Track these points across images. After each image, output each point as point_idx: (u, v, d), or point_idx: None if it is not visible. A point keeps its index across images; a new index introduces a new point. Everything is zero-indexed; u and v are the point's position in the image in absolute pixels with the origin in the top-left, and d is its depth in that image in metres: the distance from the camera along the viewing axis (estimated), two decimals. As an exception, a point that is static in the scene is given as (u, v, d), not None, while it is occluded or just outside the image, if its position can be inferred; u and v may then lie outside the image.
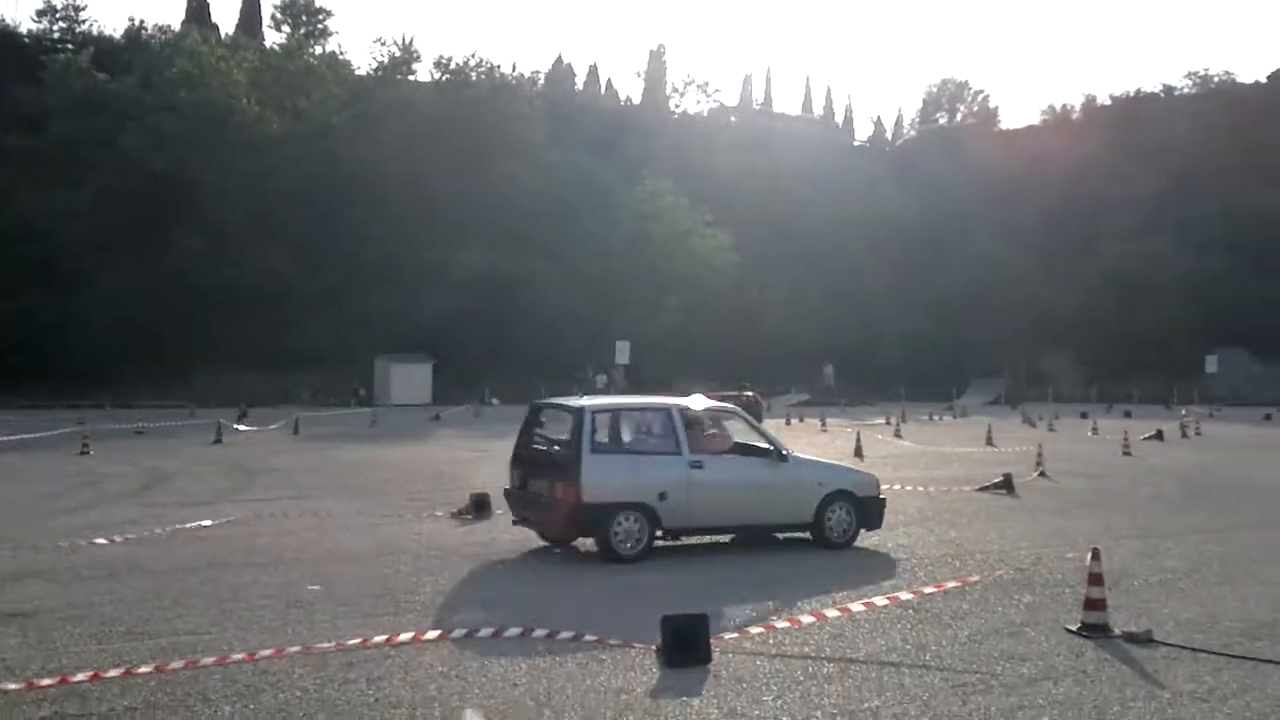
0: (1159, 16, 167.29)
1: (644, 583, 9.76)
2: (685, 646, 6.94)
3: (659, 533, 10.96)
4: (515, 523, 11.80)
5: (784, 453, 11.79)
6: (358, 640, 7.41)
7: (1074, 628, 7.98)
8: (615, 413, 11.75)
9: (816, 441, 28.65)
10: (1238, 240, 69.71)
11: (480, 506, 13.65)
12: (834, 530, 11.71)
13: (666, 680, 6.66)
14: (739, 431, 12.29)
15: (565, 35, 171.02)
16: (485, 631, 7.64)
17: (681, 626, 7.02)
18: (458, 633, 7.65)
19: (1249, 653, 7.44)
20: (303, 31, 66.79)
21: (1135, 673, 6.95)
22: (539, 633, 7.58)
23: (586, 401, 11.72)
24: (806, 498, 11.67)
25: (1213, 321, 65.72)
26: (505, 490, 12.14)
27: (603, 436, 11.15)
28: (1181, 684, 6.70)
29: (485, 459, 21.22)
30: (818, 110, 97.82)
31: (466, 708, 6.07)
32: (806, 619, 8.28)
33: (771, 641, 7.62)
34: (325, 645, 7.28)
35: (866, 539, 11.96)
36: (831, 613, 8.52)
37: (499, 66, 62.10)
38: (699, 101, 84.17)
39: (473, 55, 61.11)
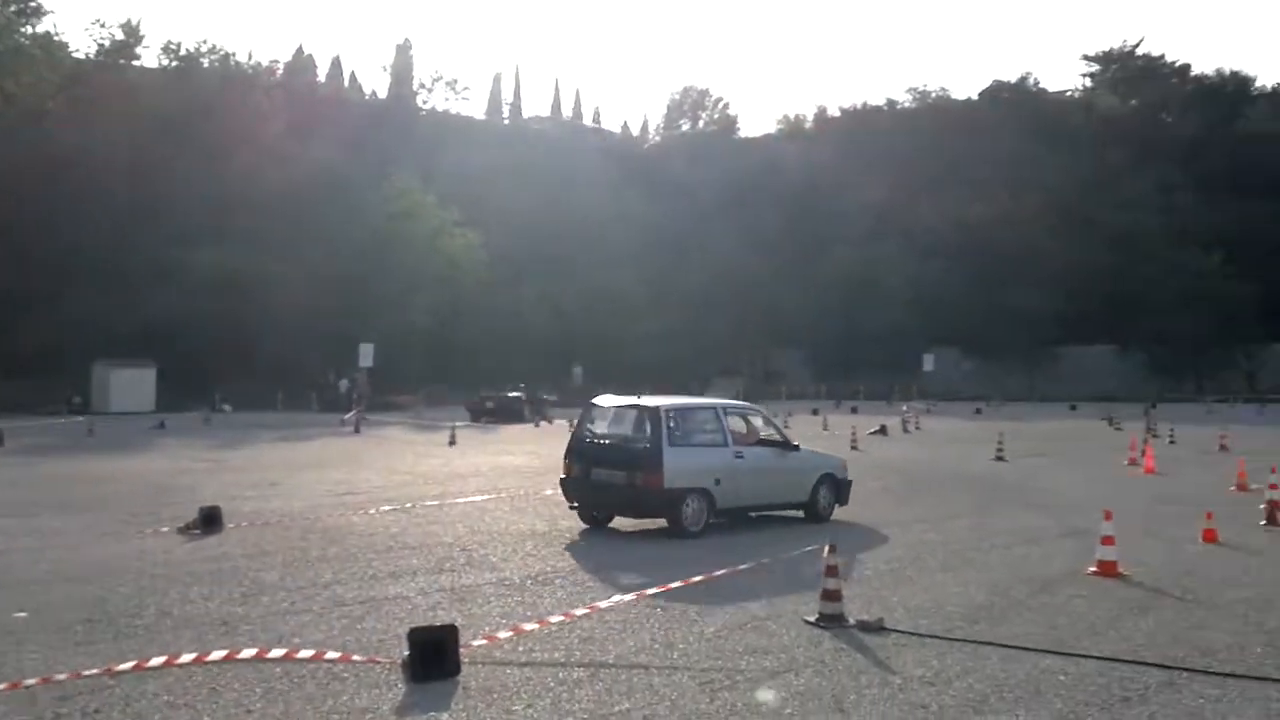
0: (884, 32, 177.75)
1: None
2: (432, 659, 6.77)
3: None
4: (572, 507, 13.51)
5: (794, 444, 14.19)
6: (65, 674, 6.74)
7: (812, 619, 8.28)
8: (681, 410, 13.42)
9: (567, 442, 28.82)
10: (952, 246, 74.81)
11: (210, 521, 12.79)
12: (822, 507, 14.11)
13: (413, 696, 6.47)
14: (759, 427, 14.38)
15: (306, 25, 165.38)
16: (216, 654, 7.18)
17: (428, 638, 6.84)
18: (186, 657, 7.15)
19: (970, 636, 7.94)
20: (13, 9, 61.62)
21: (869, 660, 7.28)
22: (276, 653, 7.21)
23: (661, 401, 13.43)
24: (806, 481, 14.07)
25: (930, 323, 70.42)
26: (562, 479, 13.70)
27: (677, 431, 12.82)
28: (911, 669, 7.07)
29: (218, 469, 20.21)
30: (567, 113, 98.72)
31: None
32: (556, 619, 8.26)
33: (521, 648, 7.54)
34: (31, 681, 6.61)
35: (840, 512, 14.22)
36: (580, 611, 8.53)
37: (234, 55, 59.50)
38: (447, 99, 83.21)
39: (204, 42, 58.27)
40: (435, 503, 15.42)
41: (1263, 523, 13.69)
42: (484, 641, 7.63)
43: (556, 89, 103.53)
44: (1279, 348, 69.49)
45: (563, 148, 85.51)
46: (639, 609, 8.75)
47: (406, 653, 6.82)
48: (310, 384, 47.98)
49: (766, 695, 6.39)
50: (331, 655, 7.15)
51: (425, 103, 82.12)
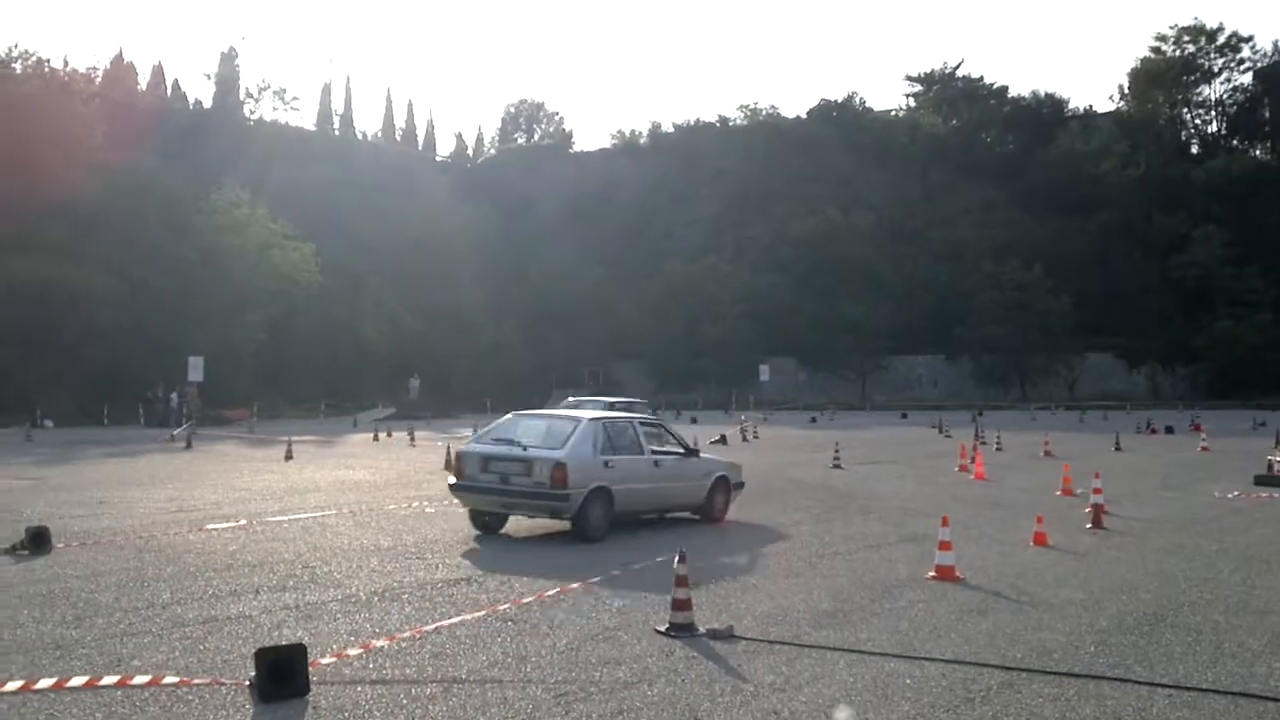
0: (716, 50, 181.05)
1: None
2: (281, 679, 6.52)
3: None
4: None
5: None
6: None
7: (663, 629, 8.31)
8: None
9: (406, 456, 28.35)
10: (786, 260, 76.69)
11: (38, 540, 12.07)
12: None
13: (262, 717, 6.22)
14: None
15: (126, 31, 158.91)
16: (44, 683, 6.77)
17: (276, 657, 6.59)
18: (12, 685, 6.72)
19: (818, 642, 8.08)
20: None
21: (721, 669, 7.33)
22: (109, 679, 6.83)
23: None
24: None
25: (765, 334, 72.06)
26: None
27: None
28: (763, 676, 7.15)
29: (43, 487, 19.15)
30: (400, 124, 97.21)
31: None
32: (406, 635, 8.07)
33: (372, 666, 7.33)
34: None
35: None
36: (430, 627, 8.37)
37: (49, 60, 56.59)
38: (275, 109, 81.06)
39: (15, 46, 55.30)
40: (274, 519, 14.92)
41: (1088, 526, 14.38)
42: (333, 660, 7.39)
43: (389, 100, 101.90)
44: (1095, 358, 73.34)
45: (396, 160, 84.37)
46: (490, 623, 8.63)
47: (253, 673, 6.56)
48: (137, 398, 45.96)
49: (843, 714, 6.35)
50: (170, 680, 6.82)
51: (253, 113, 79.91)
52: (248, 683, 6.63)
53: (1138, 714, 6.36)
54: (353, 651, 7.63)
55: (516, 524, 14.27)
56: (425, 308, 66.85)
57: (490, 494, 13.42)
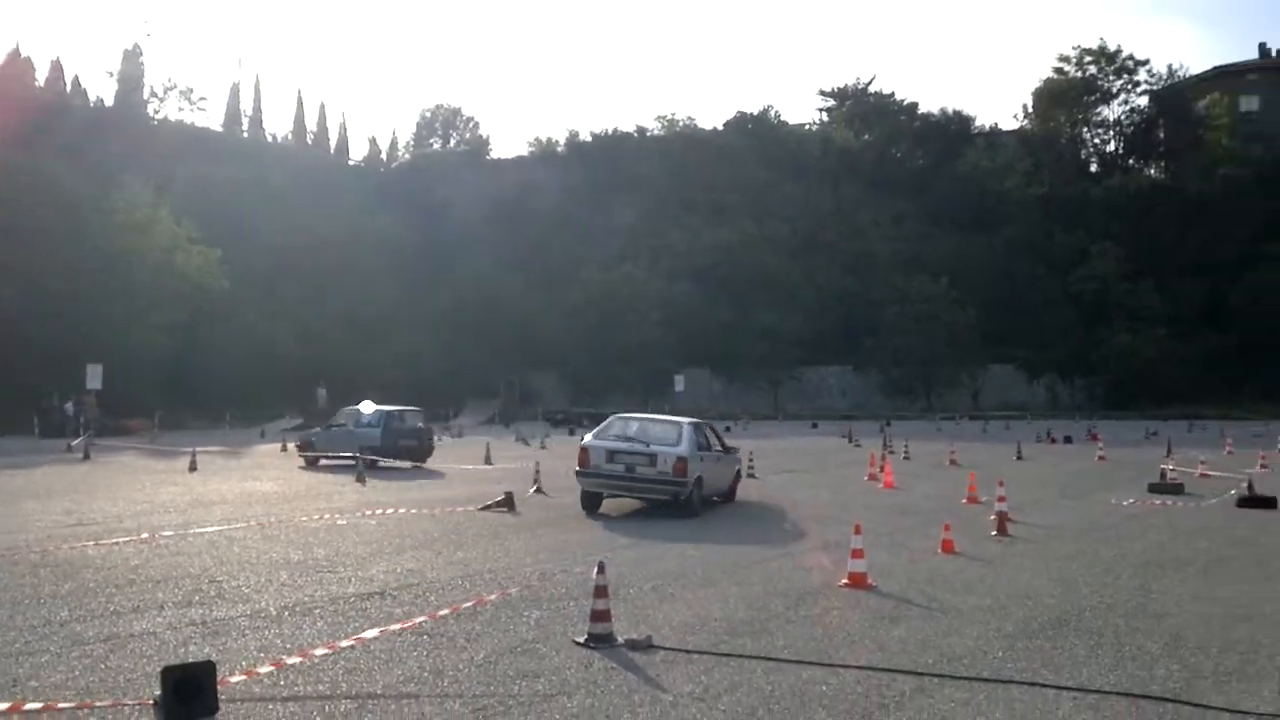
0: (633, 60, 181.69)
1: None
2: (188, 698, 6.36)
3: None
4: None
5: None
6: None
7: (582, 640, 8.29)
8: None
9: (316, 467, 27.88)
10: (700, 269, 77.10)
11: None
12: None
13: (168, 739, 6.07)
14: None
15: (23, 25, 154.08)
16: (-60, 706, 6.53)
17: (183, 676, 6.43)
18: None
19: (735, 650, 8.14)
20: None
21: (640, 679, 7.34)
22: (1, 705, 6.59)
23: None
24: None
25: (681, 342, 72.32)
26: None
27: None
28: (681, 685, 7.17)
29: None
30: (311, 127, 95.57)
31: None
32: (319, 652, 7.94)
33: (283, 683, 7.19)
34: None
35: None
36: (345, 643, 8.24)
37: (-62, 57, 54.63)
38: (181, 109, 79.06)
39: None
40: (178, 532, 14.55)
41: (993, 533, 14.69)
42: (243, 677, 7.23)
43: (300, 102, 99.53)
44: (997, 369, 74.96)
45: (307, 163, 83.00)
46: (406, 637, 8.52)
47: (159, 692, 6.38)
48: (32, 407, 44.47)
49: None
50: (64, 705, 6.60)
51: (157, 112, 77.81)
52: (152, 702, 6.44)
53: (1044, 717, 6.51)
54: (263, 669, 7.47)
55: (404, 542, 14.11)
56: (336, 314, 65.74)
57: (615, 480, 17.06)
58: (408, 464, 26.97)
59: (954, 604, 9.98)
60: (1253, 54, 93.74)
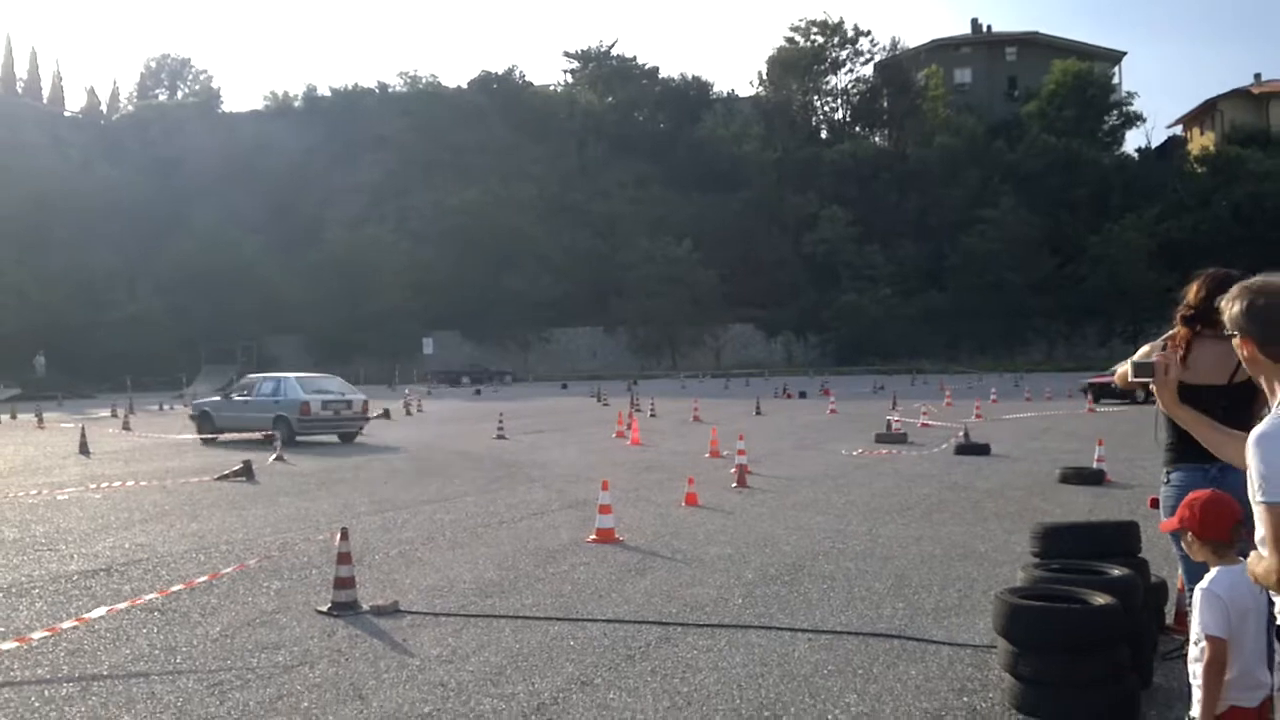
0: (373, 14, 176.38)
1: None
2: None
3: None
4: None
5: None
6: None
7: (325, 608, 8.09)
8: None
9: (35, 440, 26.03)
10: (447, 230, 76.15)
11: None
12: None
13: None
14: None
15: None
16: None
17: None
18: None
19: (483, 611, 8.12)
20: None
21: (386, 645, 7.23)
22: None
23: None
24: None
25: (429, 306, 71.43)
26: None
27: None
28: (429, 649, 7.11)
29: None
30: (21, 75, 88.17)
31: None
32: (38, 635, 7.41)
33: (0, 667, 6.70)
34: None
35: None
36: (67, 624, 7.72)
37: None
38: None
39: None
40: None
41: (733, 485, 15.23)
42: (-51, 669, 6.68)
43: (9, 48, 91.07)
44: (738, 328, 77.71)
45: (17, 113, 76.62)
46: (134, 615, 8.07)
47: None
48: None
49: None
50: None
51: None
52: None
53: (781, 659, 6.81)
54: (-24, 656, 6.92)
55: (134, 516, 13.40)
56: (54, 276, 61.24)
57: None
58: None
59: (697, 555, 10.29)
60: (966, 29, 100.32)
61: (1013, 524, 11.63)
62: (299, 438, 23.33)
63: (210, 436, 24.67)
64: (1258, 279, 3.18)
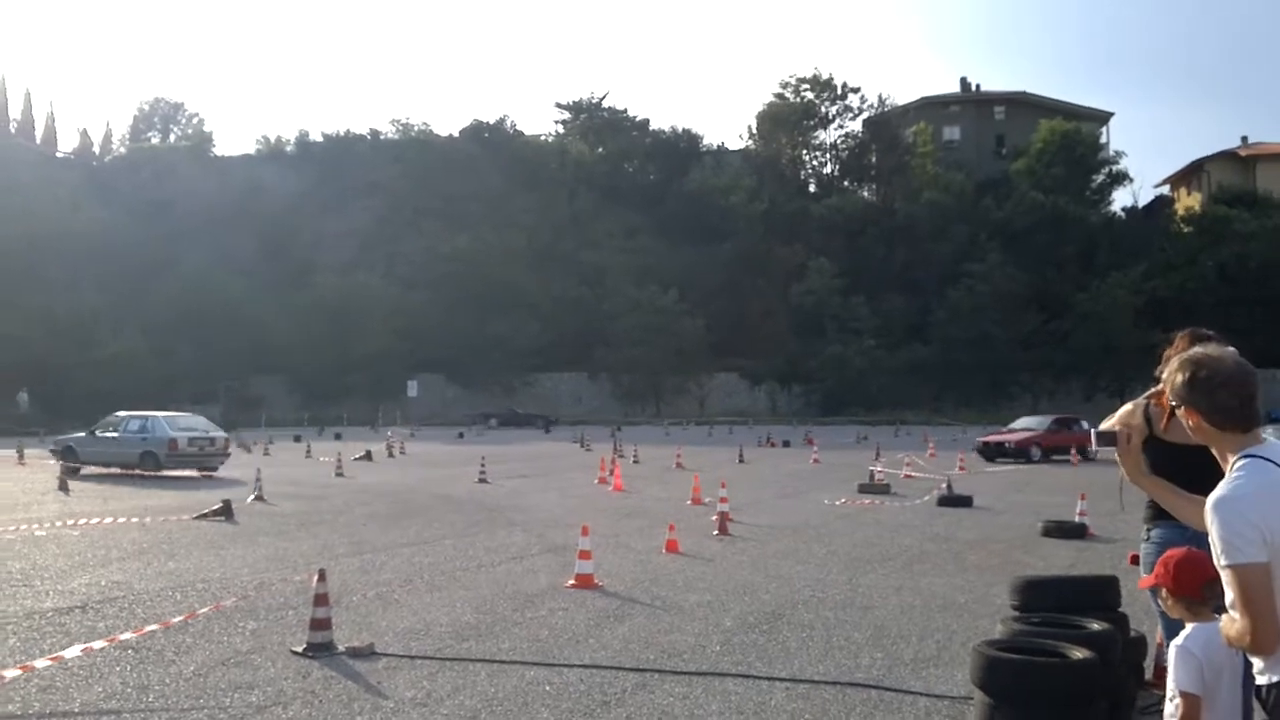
0: (366, 62, 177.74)
1: None
2: None
3: None
4: None
5: None
6: None
7: (300, 649, 8.04)
8: None
9: (14, 475, 25.87)
10: (436, 277, 76.32)
11: None
12: None
13: None
14: None
15: None
16: None
17: None
18: None
19: (460, 654, 8.09)
20: None
21: (360, 686, 7.18)
22: None
23: None
24: None
25: (415, 350, 71.45)
26: None
27: None
28: (403, 691, 7.06)
29: None
30: (15, 116, 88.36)
31: None
32: (11, 674, 7.33)
33: (-35, 707, 6.62)
34: None
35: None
36: (41, 663, 7.65)
37: None
38: None
39: None
40: None
41: (715, 532, 15.21)
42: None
43: (3, 88, 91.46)
44: (722, 377, 77.80)
45: (9, 153, 76.74)
46: (109, 653, 8.00)
47: None
48: None
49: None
50: None
51: None
52: None
53: (758, 707, 6.79)
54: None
55: (110, 554, 13.32)
56: (37, 315, 61.03)
57: None
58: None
59: (676, 601, 10.27)
60: (955, 88, 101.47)
61: (994, 576, 11.64)
62: (164, 471, 25.50)
63: (74, 466, 26.17)
64: (1196, 350, 3.28)
